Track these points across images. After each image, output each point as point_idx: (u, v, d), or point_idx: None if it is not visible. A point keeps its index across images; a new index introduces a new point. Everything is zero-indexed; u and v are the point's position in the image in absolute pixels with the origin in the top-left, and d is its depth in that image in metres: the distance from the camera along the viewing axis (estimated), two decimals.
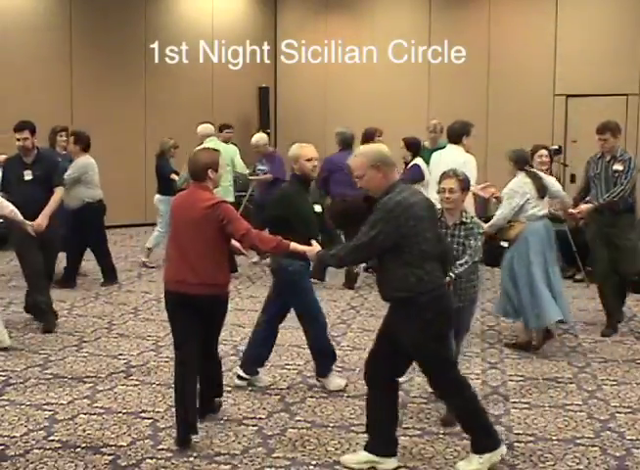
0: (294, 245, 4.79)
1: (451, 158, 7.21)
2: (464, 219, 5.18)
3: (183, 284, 4.76)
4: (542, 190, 6.59)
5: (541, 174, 6.79)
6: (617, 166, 6.98)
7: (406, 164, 9.03)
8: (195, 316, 4.79)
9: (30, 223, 6.81)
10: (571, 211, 7.25)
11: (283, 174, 10.37)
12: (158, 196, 10.49)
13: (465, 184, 5.19)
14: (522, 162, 6.63)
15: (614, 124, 7.13)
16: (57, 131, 9.62)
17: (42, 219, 6.92)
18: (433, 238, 4.39)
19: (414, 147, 9.09)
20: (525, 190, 6.51)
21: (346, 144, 9.59)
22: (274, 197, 5.96)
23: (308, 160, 5.62)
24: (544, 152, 7.53)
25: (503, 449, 4.48)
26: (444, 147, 8.01)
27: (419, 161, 8.96)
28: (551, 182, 6.93)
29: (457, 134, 7.58)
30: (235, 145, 10.76)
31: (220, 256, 4.83)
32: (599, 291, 7.44)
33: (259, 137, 10.50)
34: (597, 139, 7.11)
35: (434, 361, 4.43)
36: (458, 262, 5.04)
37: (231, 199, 9.89)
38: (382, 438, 4.52)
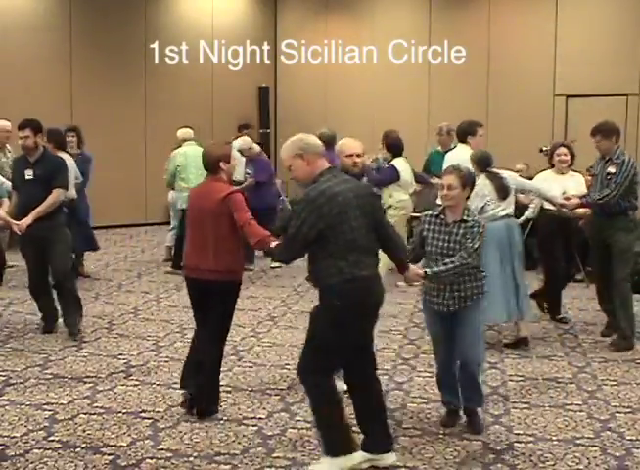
0: (275, 243, 4.82)
1: (457, 156, 7.22)
2: (465, 217, 4.90)
3: (201, 271, 5.07)
4: (503, 191, 6.62)
5: (504, 174, 6.73)
6: (610, 169, 6.82)
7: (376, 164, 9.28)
8: (211, 302, 5.11)
9: (15, 223, 6.79)
10: (561, 202, 7.26)
11: (267, 178, 10.38)
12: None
13: (466, 180, 4.94)
14: (483, 164, 6.68)
15: (606, 126, 6.94)
16: (65, 131, 9.59)
17: (27, 219, 6.80)
18: (361, 227, 4.27)
19: (394, 148, 9.17)
20: (485, 192, 6.55)
21: (327, 144, 9.70)
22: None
23: (349, 155, 5.57)
24: (563, 150, 7.51)
25: (358, 456, 4.39)
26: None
27: (397, 161, 9.06)
28: (519, 181, 7.05)
29: (463, 134, 7.60)
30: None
31: (235, 244, 5.07)
32: (597, 292, 7.42)
33: (242, 141, 10.37)
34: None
35: (319, 344, 4.33)
36: (444, 262, 4.83)
37: None
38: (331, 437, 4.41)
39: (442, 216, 4.94)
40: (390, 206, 8.75)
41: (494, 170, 6.70)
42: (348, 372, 4.59)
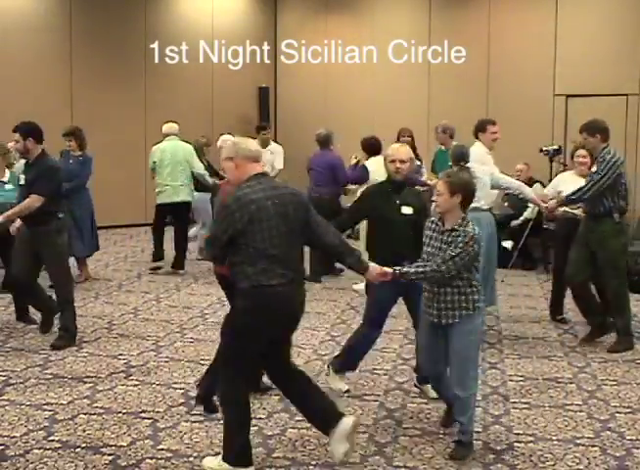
0: None
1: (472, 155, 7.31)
2: (456, 226, 4.64)
3: None
4: None
5: (475, 171, 6.75)
6: (594, 168, 6.79)
7: (356, 164, 9.40)
8: None
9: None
10: (541, 205, 7.38)
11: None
12: (199, 194, 10.41)
13: (455, 187, 4.62)
14: (456, 158, 6.79)
15: (592, 124, 6.89)
16: (63, 136, 9.57)
17: None
18: (278, 237, 4.25)
19: (369, 147, 9.42)
20: None
21: (321, 143, 9.93)
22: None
23: (392, 161, 5.59)
24: (582, 152, 7.49)
25: None
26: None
27: (370, 161, 9.30)
28: (496, 177, 7.22)
29: (476, 131, 7.62)
30: (189, 143, 10.57)
31: None
32: (572, 293, 7.32)
33: (222, 140, 10.39)
34: None
35: (225, 352, 4.41)
36: (417, 265, 4.71)
37: (182, 199, 9.89)
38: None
39: (439, 223, 4.76)
40: None
41: (467, 166, 6.76)
42: (270, 373, 4.65)
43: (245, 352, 4.32)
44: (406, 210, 5.48)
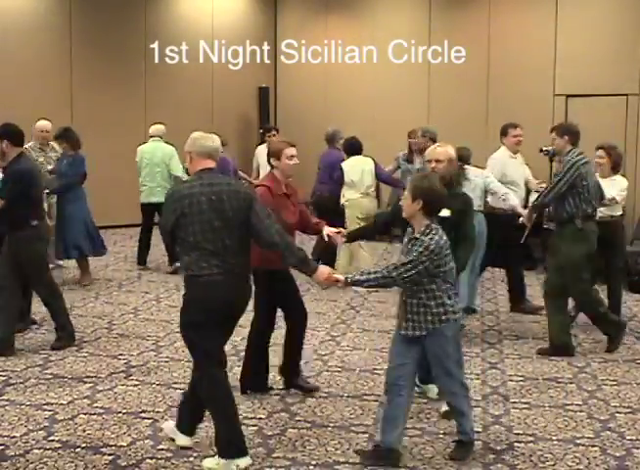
0: None
1: (493, 157, 7.32)
2: (418, 234, 4.49)
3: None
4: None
5: (468, 172, 6.98)
6: (557, 170, 6.79)
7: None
8: None
9: None
10: (519, 212, 7.49)
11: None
12: None
13: (417, 192, 4.47)
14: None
15: (563, 125, 6.93)
16: (55, 138, 9.58)
17: None
18: (211, 231, 4.39)
19: (348, 148, 9.61)
20: None
21: (328, 141, 10.14)
22: None
23: (428, 161, 5.72)
24: (599, 152, 7.53)
25: (244, 460, 4.39)
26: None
27: (346, 162, 9.51)
28: (488, 181, 7.43)
29: (500, 136, 7.79)
30: (172, 145, 10.56)
31: None
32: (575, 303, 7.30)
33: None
34: None
35: (189, 347, 4.61)
36: (368, 271, 4.60)
37: (157, 199, 9.74)
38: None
39: (411, 229, 4.61)
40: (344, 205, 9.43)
41: (464, 166, 6.83)
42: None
43: (201, 342, 4.47)
44: (444, 212, 5.46)
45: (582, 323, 7.61)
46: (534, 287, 9.56)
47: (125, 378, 6.01)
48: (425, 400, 5.54)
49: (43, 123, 9.62)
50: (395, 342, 4.68)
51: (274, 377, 6.00)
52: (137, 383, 5.88)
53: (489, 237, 7.60)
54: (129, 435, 4.91)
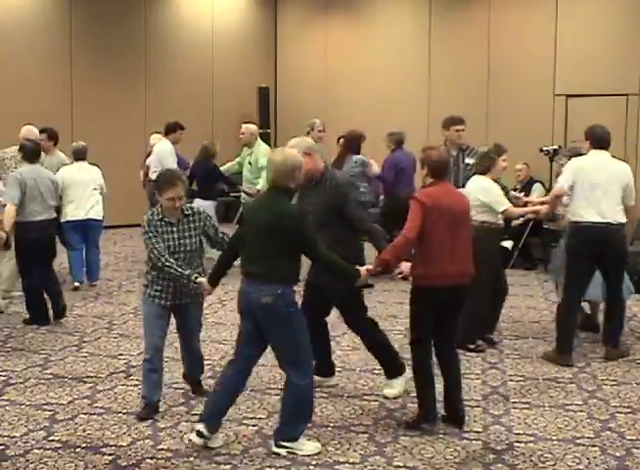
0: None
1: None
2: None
3: (462, 276, 5.09)
4: None
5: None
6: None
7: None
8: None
9: None
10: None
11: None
12: (200, 201, 9.67)
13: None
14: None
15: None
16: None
17: None
18: None
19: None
20: None
21: (400, 144, 10.01)
22: None
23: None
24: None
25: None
26: None
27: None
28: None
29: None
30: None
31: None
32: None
33: (153, 138, 10.50)
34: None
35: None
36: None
37: None
38: None
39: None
40: None
41: None
42: None
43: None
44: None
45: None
46: (533, 287, 9.57)
47: (125, 378, 6.01)
48: None
49: (24, 129, 9.11)
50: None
51: (274, 377, 6.00)
52: (137, 383, 5.87)
53: None
54: (129, 435, 4.91)
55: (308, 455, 4.61)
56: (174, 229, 5.13)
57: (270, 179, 4.73)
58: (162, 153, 10.30)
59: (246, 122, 10.45)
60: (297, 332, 4.67)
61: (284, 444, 4.65)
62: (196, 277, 5.06)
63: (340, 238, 5.27)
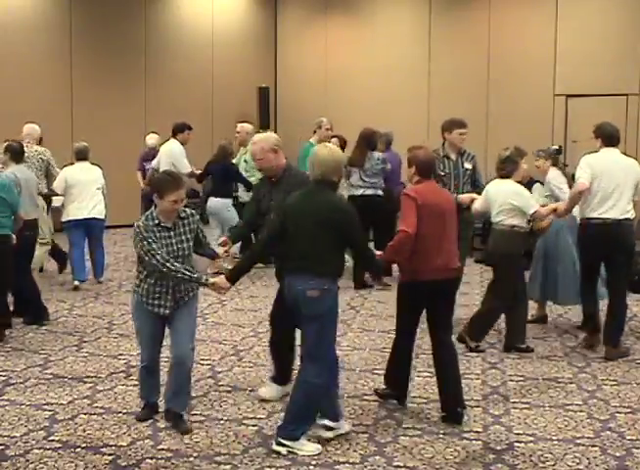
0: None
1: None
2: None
3: (449, 271, 5.17)
4: None
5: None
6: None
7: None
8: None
9: None
10: None
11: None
12: (216, 199, 10.03)
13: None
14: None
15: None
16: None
17: None
18: None
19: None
20: None
21: (389, 144, 10.33)
22: None
23: None
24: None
25: None
26: None
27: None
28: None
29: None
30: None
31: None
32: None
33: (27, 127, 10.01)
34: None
35: None
36: None
37: None
38: None
39: None
40: None
41: None
42: None
43: None
44: None
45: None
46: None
47: (125, 378, 6.00)
48: (425, 401, 5.54)
49: (27, 127, 9.18)
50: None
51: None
52: (137, 383, 5.85)
53: None
54: (129, 435, 4.91)
55: (308, 455, 4.60)
56: (171, 234, 4.91)
57: (318, 174, 4.75)
58: (174, 154, 10.24)
59: (241, 122, 10.45)
60: (332, 329, 4.78)
61: (284, 442, 4.65)
62: (206, 279, 4.93)
63: None
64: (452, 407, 5.14)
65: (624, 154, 6.99)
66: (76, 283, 9.08)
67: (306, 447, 4.67)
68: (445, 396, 5.20)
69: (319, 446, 4.70)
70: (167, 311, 4.97)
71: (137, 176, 11.30)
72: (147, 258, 4.81)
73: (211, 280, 4.93)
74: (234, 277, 5.00)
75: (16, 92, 12.35)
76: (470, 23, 12.86)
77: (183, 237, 4.96)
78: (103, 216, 9.25)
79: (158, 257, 4.78)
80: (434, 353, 5.27)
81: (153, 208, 4.97)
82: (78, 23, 13.29)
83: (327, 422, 4.83)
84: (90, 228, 9.17)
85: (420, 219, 5.01)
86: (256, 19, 15.43)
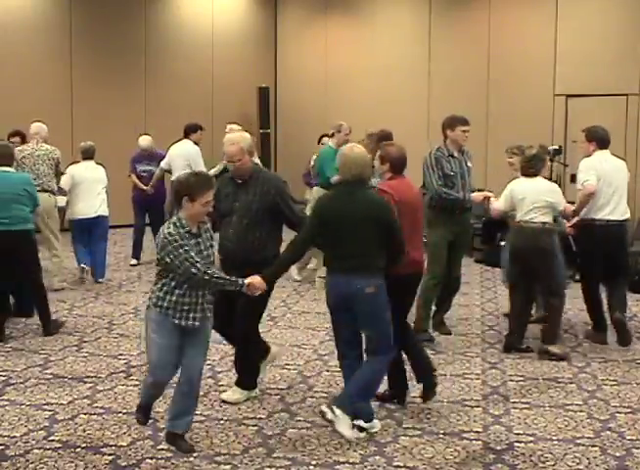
0: None
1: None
2: None
3: (420, 264, 5.49)
4: None
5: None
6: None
7: None
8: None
9: None
10: None
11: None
12: None
13: None
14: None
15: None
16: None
17: None
18: None
19: None
20: None
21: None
22: None
23: None
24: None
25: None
26: None
27: None
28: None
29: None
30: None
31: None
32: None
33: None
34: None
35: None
36: None
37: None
38: None
39: None
40: None
41: None
42: None
43: None
44: None
45: (582, 323, 7.63)
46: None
47: (125, 378, 6.01)
48: None
49: (34, 125, 9.16)
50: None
51: (274, 377, 6.00)
52: (137, 383, 5.87)
53: None
54: (129, 435, 4.91)
55: (308, 455, 4.61)
56: (199, 240, 4.60)
57: (356, 174, 4.87)
58: (191, 154, 10.16)
59: (231, 123, 10.47)
60: (389, 320, 4.95)
61: (364, 425, 4.90)
62: (242, 282, 4.71)
63: (269, 236, 5.38)
64: (428, 374, 5.41)
65: (614, 155, 7.08)
66: (84, 265, 9.27)
67: (377, 425, 5.00)
68: (417, 368, 5.48)
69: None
70: (197, 323, 4.62)
71: (133, 179, 11.00)
72: (182, 268, 4.45)
73: (247, 281, 4.72)
74: (271, 278, 4.98)
75: (16, 92, 12.35)
76: (470, 23, 12.86)
77: (208, 243, 4.68)
78: (107, 214, 9.47)
79: (198, 265, 4.45)
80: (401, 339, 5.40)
81: (177, 213, 4.60)
82: (78, 23, 13.29)
83: (361, 423, 4.91)
84: (96, 226, 9.34)
85: (397, 214, 5.13)
86: (256, 19, 15.42)
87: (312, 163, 9.95)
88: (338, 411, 4.76)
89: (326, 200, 5.01)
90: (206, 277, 4.49)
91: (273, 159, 15.17)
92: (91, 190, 9.25)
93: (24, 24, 12.77)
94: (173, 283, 4.54)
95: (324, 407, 4.85)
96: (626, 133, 11.10)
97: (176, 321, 4.56)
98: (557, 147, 10.23)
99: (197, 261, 4.46)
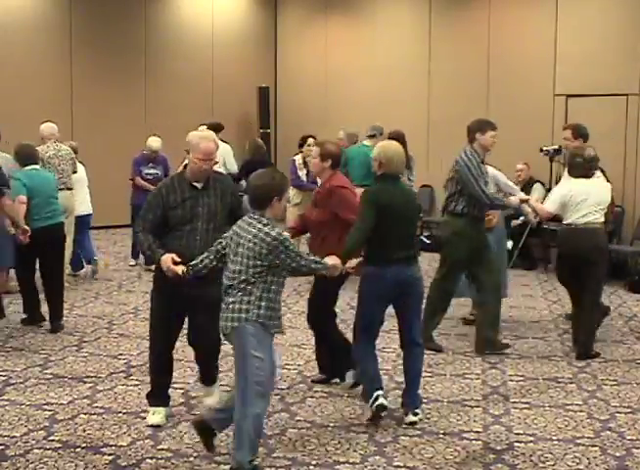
0: None
1: None
2: None
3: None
4: None
5: None
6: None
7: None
8: None
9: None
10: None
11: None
12: None
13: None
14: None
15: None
16: None
17: None
18: None
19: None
20: None
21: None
22: None
23: None
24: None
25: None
26: None
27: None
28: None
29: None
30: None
31: None
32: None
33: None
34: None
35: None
36: None
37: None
38: None
39: None
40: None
41: None
42: None
43: None
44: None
45: None
46: (533, 287, 9.57)
47: (125, 378, 6.01)
48: (425, 400, 5.54)
49: (44, 126, 9.21)
50: None
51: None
52: (137, 383, 5.88)
53: None
54: (129, 435, 4.91)
55: (308, 455, 4.60)
56: None
57: (399, 169, 5.24)
58: (227, 153, 10.33)
59: (203, 124, 10.56)
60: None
61: (418, 411, 5.18)
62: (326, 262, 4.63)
63: None
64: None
65: (622, 157, 7.17)
66: (96, 258, 9.79)
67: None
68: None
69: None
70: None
71: (139, 182, 10.76)
72: (294, 263, 4.31)
73: (329, 262, 4.61)
74: (346, 258, 4.90)
75: (16, 92, 12.35)
76: (470, 23, 12.85)
77: None
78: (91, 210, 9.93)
79: (298, 258, 4.34)
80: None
81: (262, 213, 4.39)
82: (78, 23, 13.29)
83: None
84: (87, 223, 9.77)
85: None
86: (256, 19, 15.43)
87: (298, 164, 9.91)
88: (418, 411, 5.19)
89: (377, 192, 5.14)
90: (313, 265, 4.44)
91: (273, 159, 15.17)
92: (84, 188, 9.67)
93: (24, 24, 12.78)
94: (266, 285, 4.32)
95: (411, 418, 5.13)
96: (626, 133, 11.09)
97: (272, 330, 4.40)
98: (557, 147, 10.24)
99: (300, 253, 4.41)
